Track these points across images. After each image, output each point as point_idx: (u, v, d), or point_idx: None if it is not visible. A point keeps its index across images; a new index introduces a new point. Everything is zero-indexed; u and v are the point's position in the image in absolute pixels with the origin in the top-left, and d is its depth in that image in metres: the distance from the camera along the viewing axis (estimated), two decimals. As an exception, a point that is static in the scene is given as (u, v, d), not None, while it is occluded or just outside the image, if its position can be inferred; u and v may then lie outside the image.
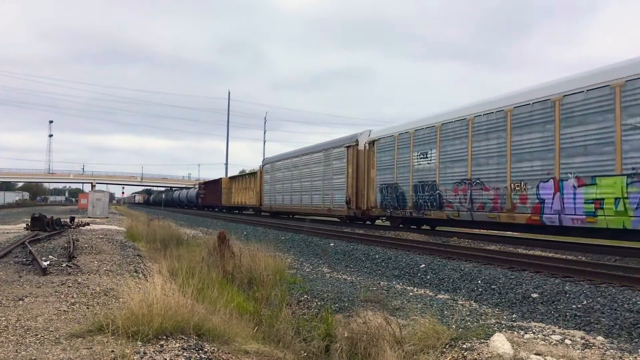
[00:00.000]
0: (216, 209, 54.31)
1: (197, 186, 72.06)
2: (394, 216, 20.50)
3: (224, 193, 48.51)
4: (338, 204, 24.71)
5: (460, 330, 5.73)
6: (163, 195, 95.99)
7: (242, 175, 45.69)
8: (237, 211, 47.18)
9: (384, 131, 21.53)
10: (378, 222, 24.69)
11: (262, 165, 37.52)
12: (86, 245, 13.11)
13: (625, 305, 6.83)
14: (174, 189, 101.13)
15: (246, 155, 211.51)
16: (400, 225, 20.45)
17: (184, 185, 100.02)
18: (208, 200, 56.42)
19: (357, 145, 23.33)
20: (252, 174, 41.19)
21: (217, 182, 52.29)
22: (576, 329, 6.31)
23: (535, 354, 4.87)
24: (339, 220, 26.26)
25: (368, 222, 24.72)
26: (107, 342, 4.38)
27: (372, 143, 21.86)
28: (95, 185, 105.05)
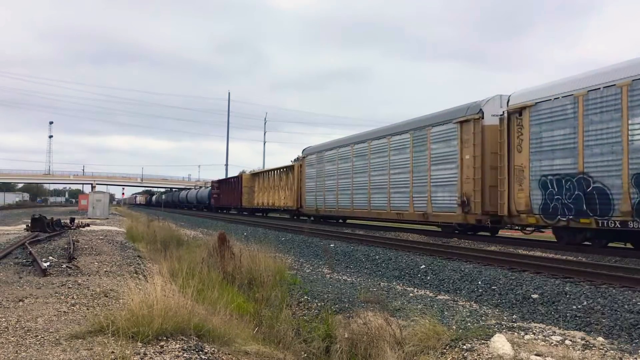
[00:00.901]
0: (232, 211, 47.60)
1: (207, 185, 66.65)
2: (573, 227, 12.77)
3: (244, 192, 40.96)
4: (443, 206, 17.09)
5: (461, 331, 5.73)
6: (163, 196, 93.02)
7: (270, 171, 37.80)
8: (260, 214, 39.94)
9: (545, 90, 13.60)
10: (506, 232, 17.81)
11: (303, 157, 29.49)
12: (86, 246, 13.12)
13: (626, 306, 6.83)
14: (174, 190, 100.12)
15: (246, 156, 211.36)
16: (586, 243, 13.07)
17: (184, 186, 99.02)
18: (223, 200, 49.36)
19: (482, 118, 15.81)
20: (286, 168, 33.34)
21: (236, 180, 44.66)
22: (576, 329, 6.31)
23: (536, 354, 4.87)
24: (440, 230, 18.60)
25: (484, 233, 16.99)
26: (107, 343, 4.38)
27: (517, 112, 14.16)
28: (95, 186, 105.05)
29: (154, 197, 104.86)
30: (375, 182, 21.42)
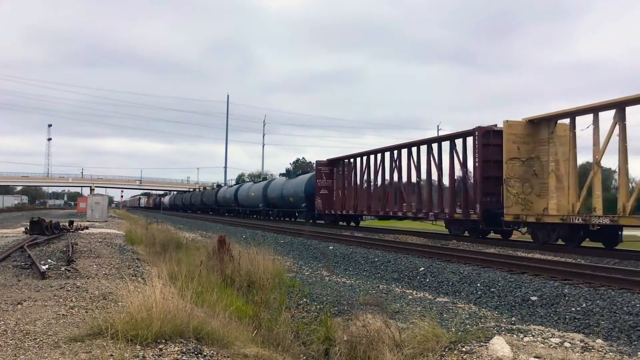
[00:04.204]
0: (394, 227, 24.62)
1: (269, 176, 43.49)
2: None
3: (512, 171, 15.53)
4: None
5: (460, 333, 5.73)
6: (175, 198, 76.53)
7: None
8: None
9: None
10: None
11: None
12: (85, 249, 13.10)
13: (625, 308, 6.83)
14: (172, 192, 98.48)
15: (241, 159, 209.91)
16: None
17: (186, 189, 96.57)
18: (351, 202, 25.27)
19: None
20: None
21: (466, 138, 18.14)
22: (575, 331, 6.31)
23: (535, 356, 4.87)
24: None
25: None
26: (106, 346, 4.37)
27: None
28: (94, 189, 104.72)
29: (166, 199, 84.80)
30: None
